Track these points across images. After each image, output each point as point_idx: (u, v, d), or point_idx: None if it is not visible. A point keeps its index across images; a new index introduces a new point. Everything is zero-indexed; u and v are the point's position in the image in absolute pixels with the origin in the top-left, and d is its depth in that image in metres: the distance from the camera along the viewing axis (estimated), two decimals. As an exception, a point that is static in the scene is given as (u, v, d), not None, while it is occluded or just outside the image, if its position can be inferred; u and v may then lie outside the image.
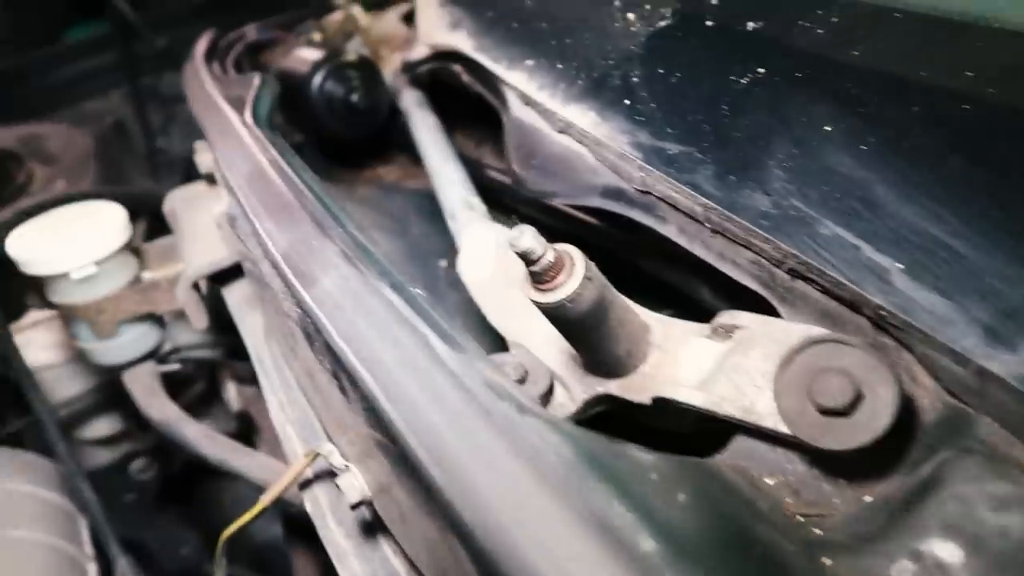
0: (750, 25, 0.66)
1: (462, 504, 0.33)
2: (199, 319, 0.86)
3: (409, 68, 1.26)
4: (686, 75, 0.68)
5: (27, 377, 1.01)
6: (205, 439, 0.89)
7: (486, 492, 0.33)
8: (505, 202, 1.11)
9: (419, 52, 1.25)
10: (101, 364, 0.95)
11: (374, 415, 0.43)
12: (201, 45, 1.44)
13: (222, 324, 1.11)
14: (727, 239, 0.59)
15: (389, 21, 1.74)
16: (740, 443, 0.53)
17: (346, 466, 0.64)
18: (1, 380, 1.26)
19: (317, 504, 0.73)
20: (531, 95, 0.82)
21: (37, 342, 1.18)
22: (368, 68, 1.37)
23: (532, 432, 0.37)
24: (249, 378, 1.28)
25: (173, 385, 1.16)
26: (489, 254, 0.79)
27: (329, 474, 0.74)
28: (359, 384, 0.42)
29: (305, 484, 0.76)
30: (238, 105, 0.98)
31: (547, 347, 0.69)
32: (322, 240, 0.54)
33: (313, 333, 0.52)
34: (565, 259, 0.53)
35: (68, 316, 0.90)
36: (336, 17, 1.66)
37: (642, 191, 0.66)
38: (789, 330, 0.52)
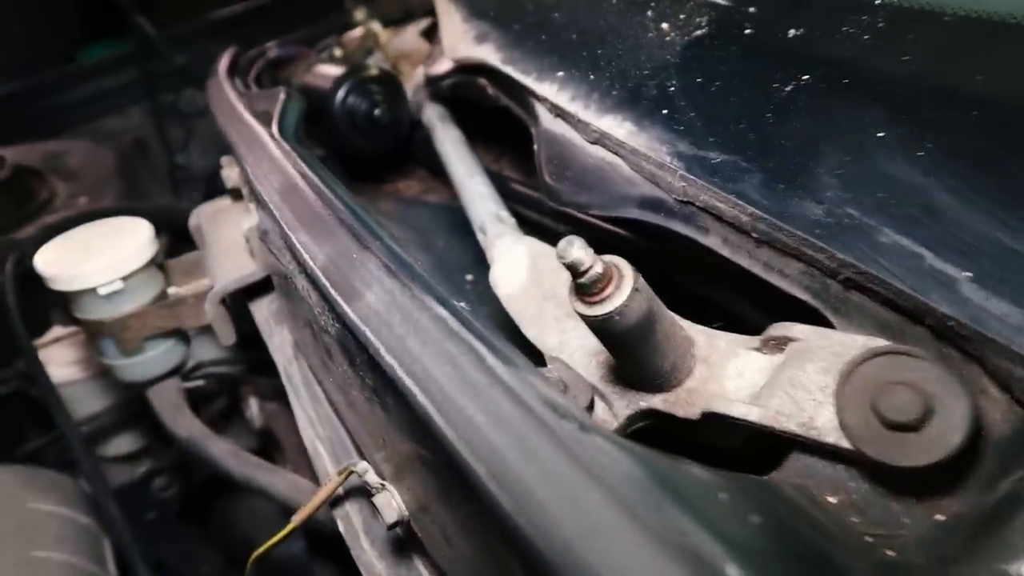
0: (791, 32, 0.65)
1: (530, 527, 0.32)
2: (227, 335, 0.85)
3: (432, 82, 1.26)
4: (726, 83, 0.66)
5: (52, 394, 1.00)
6: (231, 457, 0.87)
7: (556, 515, 0.31)
8: (530, 216, 1.10)
9: (443, 66, 1.25)
10: (126, 381, 0.94)
11: (423, 434, 0.42)
12: (223, 61, 1.44)
13: (245, 339, 1.10)
14: (775, 249, 0.57)
15: (408, 37, 1.74)
16: (798, 460, 0.51)
17: (382, 485, 0.62)
18: (21, 396, 1.26)
19: (349, 523, 0.72)
20: (563, 106, 0.81)
21: (59, 358, 1.18)
22: (390, 82, 1.37)
23: (599, 451, 0.35)
24: (272, 394, 1.27)
25: (194, 401, 1.15)
26: (522, 267, 0.78)
27: (362, 492, 0.72)
28: (410, 402, 0.41)
29: (336, 502, 0.74)
30: (265, 120, 0.98)
31: (586, 360, 0.67)
32: (362, 253, 0.53)
33: (355, 349, 0.51)
34: (613, 270, 0.51)
35: (94, 332, 0.89)
36: (356, 34, 1.66)
37: (683, 201, 0.65)
38: (848, 342, 0.50)
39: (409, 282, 0.48)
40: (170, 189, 1.73)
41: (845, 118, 0.57)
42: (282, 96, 1.05)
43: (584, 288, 0.51)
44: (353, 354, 0.53)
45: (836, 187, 0.53)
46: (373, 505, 0.64)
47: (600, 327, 0.53)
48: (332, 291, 0.52)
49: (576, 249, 0.48)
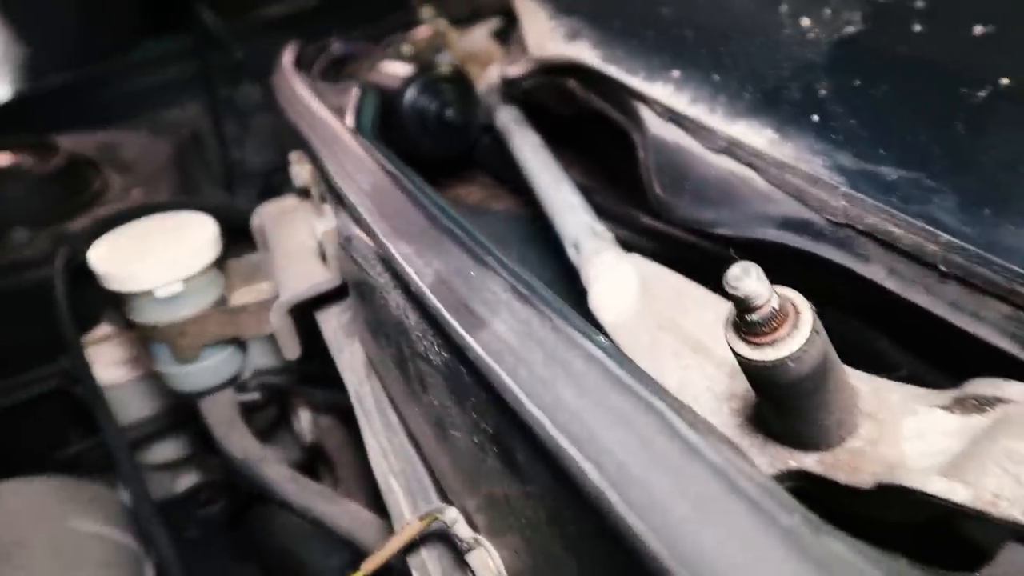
0: (978, 29, 0.55)
1: None
2: (292, 349, 0.77)
3: (511, 83, 1.17)
4: (896, 89, 0.57)
5: (97, 397, 0.93)
6: (290, 483, 0.79)
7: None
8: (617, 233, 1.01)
9: (523, 66, 1.16)
10: (179, 390, 0.87)
11: (578, 509, 0.33)
12: (289, 55, 1.38)
13: (307, 349, 1.02)
14: (968, 286, 0.47)
15: (477, 37, 1.66)
16: (1016, 555, 0.41)
17: (475, 539, 0.53)
18: (63, 395, 1.19)
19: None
20: (680, 110, 0.72)
21: (106, 358, 1.11)
22: (462, 82, 1.29)
23: (840, 562, 0.25)
24: (325, 408, 1.19)
25: (245, 410, 1.08)
26: (631, 289, 0.69)
27: (444, 541, 0.63)
28: (567, 470, 0.32)
29: (410, 547, 0.66)
30: (339, 114, 0.90)
31: (716, 405, 0.57)
32: (482, 271, 0.44)
33: (470, 386, 0.42)
34: (789, 308, 0.42)
35: (147, 337, 0.82)
36: (425, 32, 1.59)
37: (839, 223, 0.55)
38: (1092, 412, 0.40)
39: (548, 311, 0.39)
40: (225, 185, 1.67)
41: (1068, 131, 0.46)
42: (356, 91, 0.98)
43: (753, 326, 0.41)
44: (465, 391, 0.44)
45: (1065, 215, 0.43)
46: (462, 560, 0.55)
47: (766, 375, 0.43)
48: (446, 314, 0.43)
49: (753, 280, 0.39)
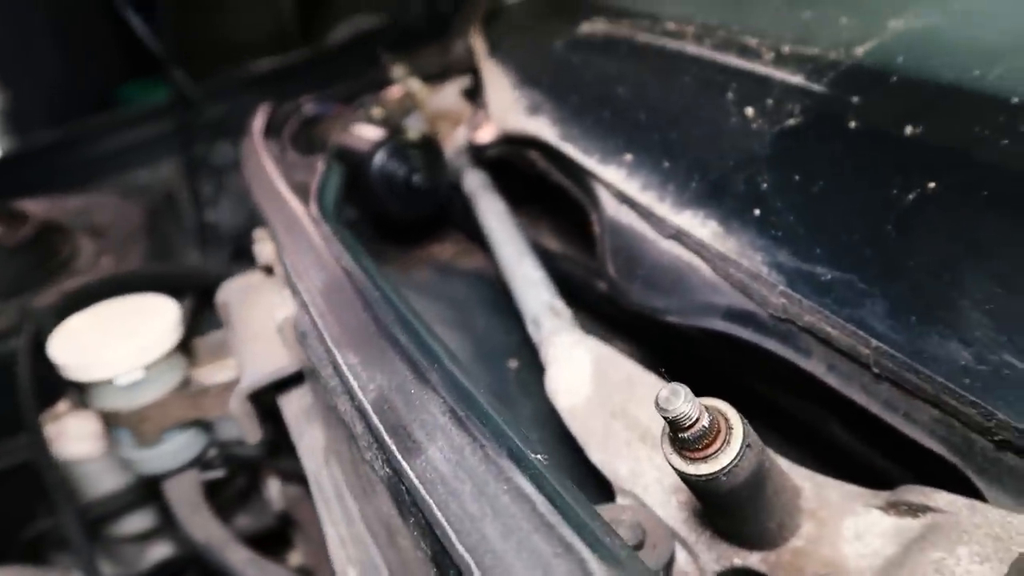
0: (908, 129, 0.57)
1: None
2: (254, 433, 0.77)
3: (477, 150, 1.20)
4: (832, 185, 0.59)
5: (54, 476, 0.92)
6: (252, 568, 0.79)
7: None
8: (582, 297, 1.02)
9: (488, 135, 1.19)
10: (142, 473, 0.86)
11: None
12: (258, 121, 1.40)
13: (270, 415, 1.02)
14: (902, 390, 0.49)
15: (448, 96, 1.69)
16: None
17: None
18: (30, 468, 1.18)
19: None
20: (632, 196, 0.74)
21: (76, 431, 1.10)
22: (430, 147, 1.31)
23: None
24: (293, 476, 1.18)
25: (212, 484, 1.07)
26: (585, 374, 0.70)
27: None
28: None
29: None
30: (303, 192, 0.91)
31: (664, 498, 0.58)
32: (422, 389, 0.45)
33: (410, 507, 0.42)
34: (720, 422, 0.43)
35: (108, 423, 0.82)
36: (396, 92, 1.62)
37: (780, 318, 0.57)
38: (1015, 525, 0.41)
39: (482, 436, 0.40)
40: (199, 246, 1.68)
41: (989, 238, 0.48)
42: (320, 167, 0.99)
43: (686, 443, 0.42)
44: (407, 510, 0.44)
45: (986, 325, 0.45)
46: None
47: (702, 486, 0.44)
48: (385, 437, 0.43)
49: (682, 402, 0.40)
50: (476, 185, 1.21)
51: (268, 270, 0.94)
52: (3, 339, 1.13)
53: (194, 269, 1.40)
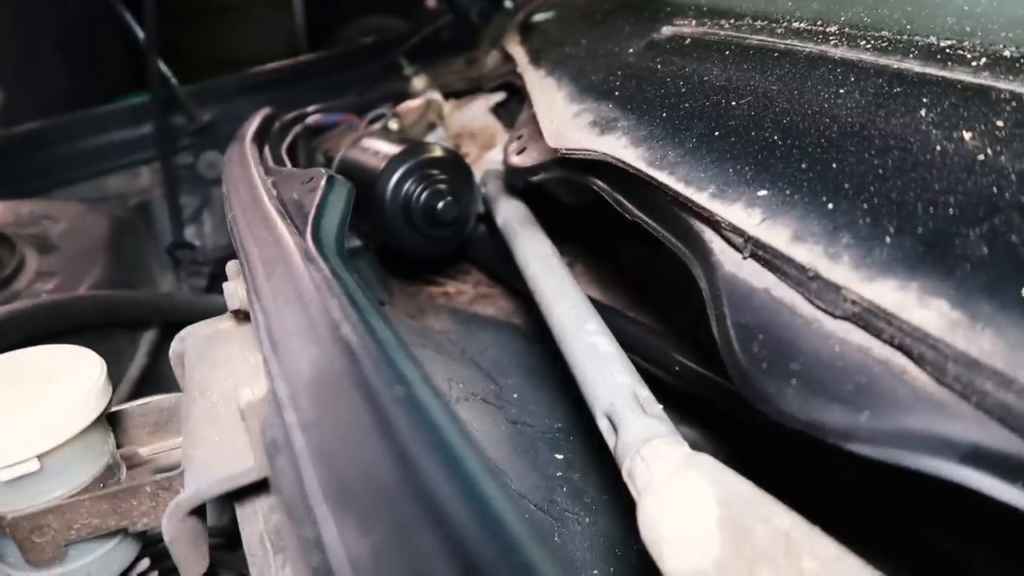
0: None
1: None
2: (194, 565, 0.52)
3: (522, 175, 0.96)
4: None
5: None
6: None
7: None
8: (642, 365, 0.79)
9: (533, 156, 0.96)
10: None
11: None
12: (251, 125, 1.16)
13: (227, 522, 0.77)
14: None
15: (476, 111, 1.46)
16: None
17: None
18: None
19: None
20: (779, 249, 0.50)
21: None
22: (459, 167, 1.08)
23: None
24: None
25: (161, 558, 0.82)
26: (708, 519, 0.45)
27: None
28: None
29: None
30: (297, 214, 0.68)
31: None
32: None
33: None
34: None
35: (-11, 528, 0.57)
36: (416, 104, 1.39)
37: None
38: None
39: None
40: (172, 268, 1.44)
41: None
42: (323, 183, 0.75)
43: None
44: None
45: None
46: None
47: None
48: None
49: None
50: (514, 218, 0.97)
51: (240, 315, 0.70)
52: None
53: (159, 297, 1.15)
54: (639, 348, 0.80)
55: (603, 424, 0.59)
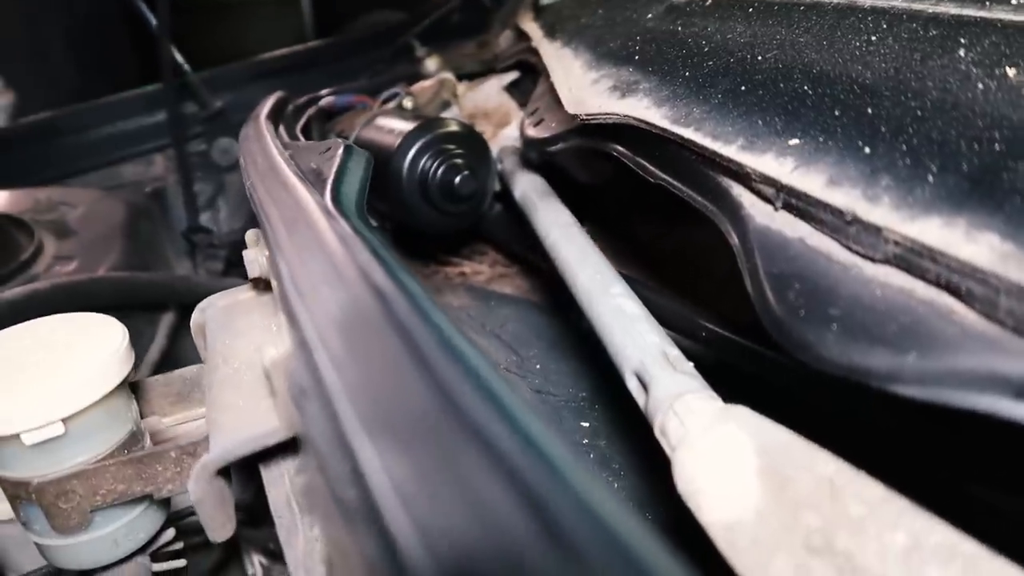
0: None
1: None
2: (220, 527, 0.52)
3: (535, 146, 0.95)
4: None
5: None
6: None
7: None
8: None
9: (550, 126, 0.94)
10: (62, 567, 0.60)
11: None
12: (265, 105, 1.16)
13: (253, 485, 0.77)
14: None
15: (489, 91, 1.45)
16: None
17: None
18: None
19: None
20: (812, 193, 0.49)
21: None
22: (475, 141, 1.07)
23: None
24: (280, 551, 0.92)
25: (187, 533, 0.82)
26: (748, 469, 0.44)
27: None
28: None
29: None
30: (316, 181, 0.67)
31: None
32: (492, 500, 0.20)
33: None
34: None
35: (13, 496, 0.56)
36: (429, 83, 1.38)
37: None
38: None
39: None
40: (189, 253, 1.44)
41: None
42: (340, 152, 0.75)
43: None
44: None
45: None
46: None
47: None
48: None
49: None
50: (532, 190, 0.96)
51: (261, 285, 0.70)
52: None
53: (176, 279, 1.15)
54: (663, 317, 0.79)
55: (632, 384, 0.58)
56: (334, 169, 0.67)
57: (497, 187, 1.16)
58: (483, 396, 0.28)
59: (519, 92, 1.52)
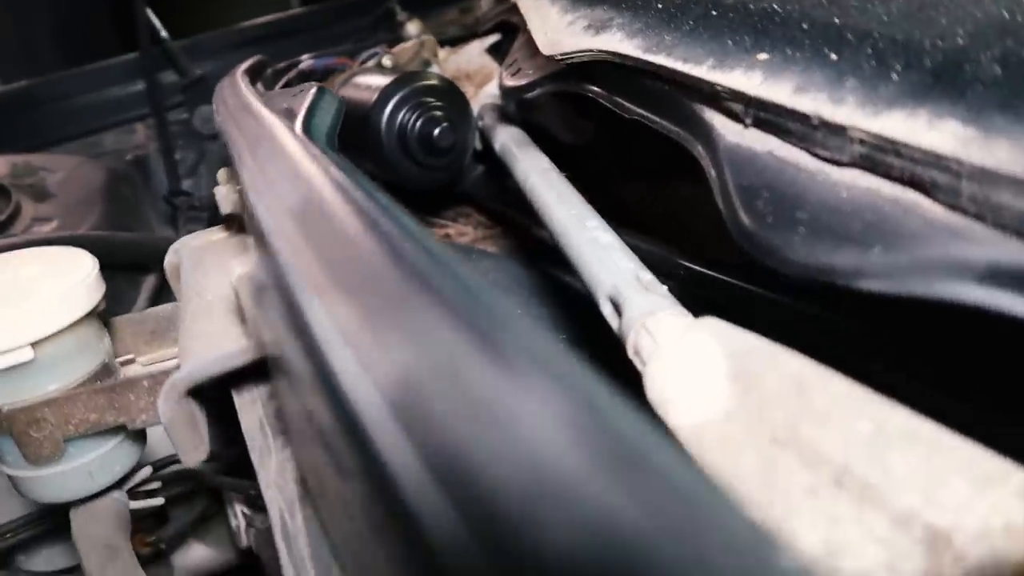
0: None
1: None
2: (192, 450, 0.51)
3: (513, 94, 0.94)
4: None
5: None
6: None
7: None
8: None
9: (527, 74, 0.94)
10: (36, 500, 0.60)
11: None
12: (244, 65, 1.15)
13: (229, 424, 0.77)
14: None
15: (471, 53, 1.44)
16: None
17: None
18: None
19: None
20: (780, 102, 0.48)
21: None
22: (453, 94, 1.07)
23: None
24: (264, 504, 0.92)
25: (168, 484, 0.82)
26: (717, 373, 0.44)
27: None
28: None
29: None
30: (288, 117, 0.66)
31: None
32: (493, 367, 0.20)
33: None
34: None
35: (-15, 427, 0.56)
36: (410, 44, 1.37)
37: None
38: None
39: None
40: (170, 219, 1.43)
41: None
42: (313, 91, 0.74)
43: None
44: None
45: None
46: None
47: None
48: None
49: None
50: (511, 141, 0.95)
51: (234, 225, 0.69)
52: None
53: (158, 240, 1.14)
54: (643, 258, 0.79)
55: (607, 309, 0.58)
56: (305, 105, 0.67)
57: (479, 145, 1.15)
58: (428, 255, 0.28)
59: (501, 55, 1.51)
